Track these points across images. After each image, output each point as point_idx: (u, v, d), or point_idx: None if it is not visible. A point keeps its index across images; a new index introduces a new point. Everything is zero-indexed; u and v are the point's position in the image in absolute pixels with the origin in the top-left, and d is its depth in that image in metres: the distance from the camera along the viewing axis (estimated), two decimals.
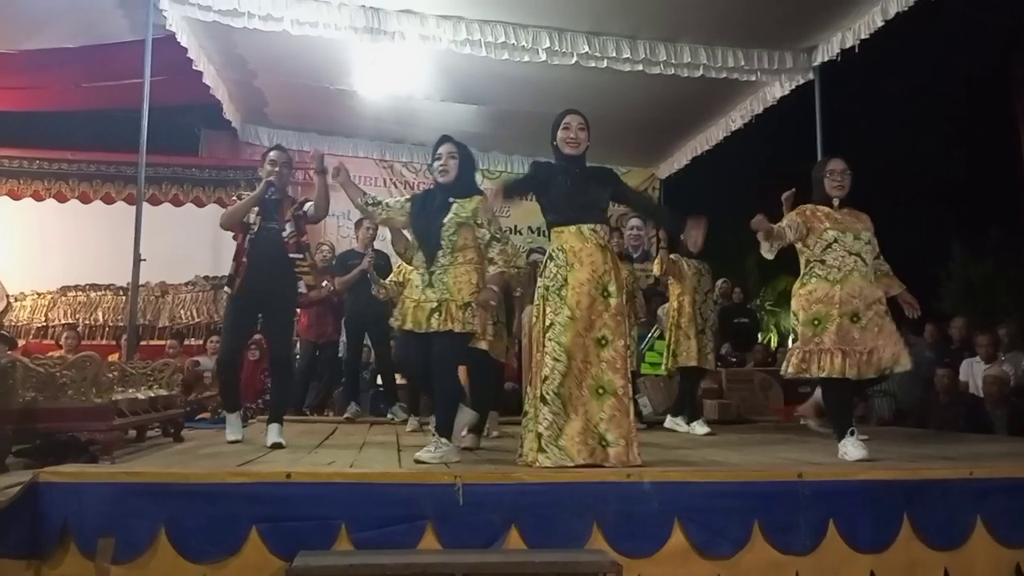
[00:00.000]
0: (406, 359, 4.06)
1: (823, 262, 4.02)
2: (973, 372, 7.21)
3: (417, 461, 3.51)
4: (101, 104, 8.93)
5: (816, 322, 3.96)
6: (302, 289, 4.47)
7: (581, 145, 3.73)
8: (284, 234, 4.46)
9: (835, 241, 4.00)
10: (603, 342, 3.51)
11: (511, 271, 4.64)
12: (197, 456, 3.99)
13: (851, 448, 3.76)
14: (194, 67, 7.49)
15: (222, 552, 2.80)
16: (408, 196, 4.09)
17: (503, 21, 6.83)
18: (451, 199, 3.84)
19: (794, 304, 4.13)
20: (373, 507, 2.85)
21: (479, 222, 3.81)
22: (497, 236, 3.82)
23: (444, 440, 3.67)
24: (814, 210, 4.11)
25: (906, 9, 6.17)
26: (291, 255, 4.44)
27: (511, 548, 2.89)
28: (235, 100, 9.03)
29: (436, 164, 3.92)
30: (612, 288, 3.58)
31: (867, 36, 6.59)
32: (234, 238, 4.60)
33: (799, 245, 4.13)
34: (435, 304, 3.76)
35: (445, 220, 3.79)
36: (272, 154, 4.68)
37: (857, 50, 6.78)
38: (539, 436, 3.37)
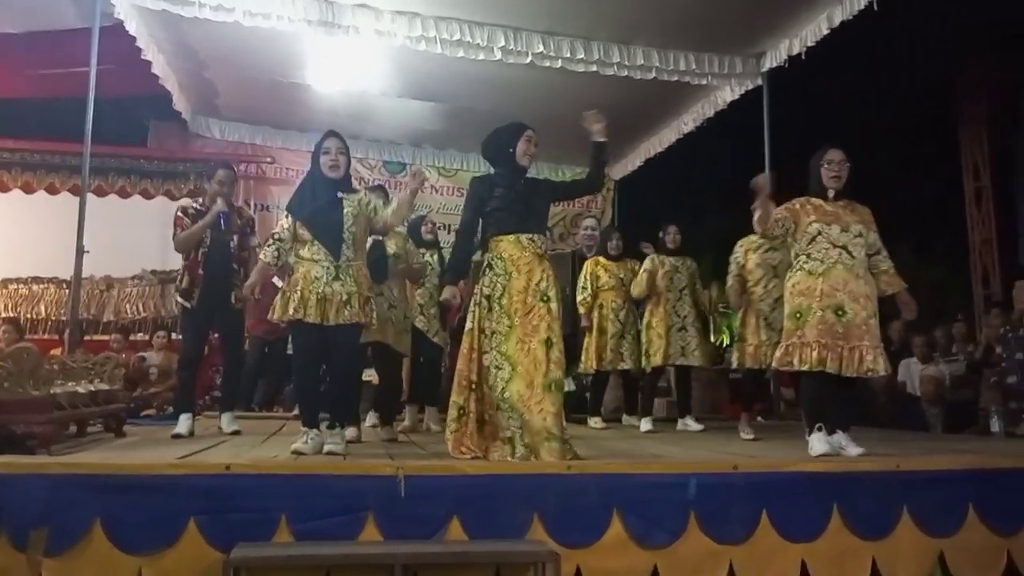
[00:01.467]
0: (309, 351, 3.91)
1: (808, 255, 3.97)
2: (910, 372, 7.45)
3: (332, 453, 3.58)
4: (46, 92, 8.68)
5: (798, 315, 3.92)
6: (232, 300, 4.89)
7: (533, 159, 3.90)
8: (231, 246, 4.93)
9: (819, 234, 3.94)
10: (549, 343, 3.60)
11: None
12: (137, 450, 3.93)
13: (816, 443, 3.79)
14: (143, 57, 7.35)
15: (159, 544, 2.77)
16: (282, 225, 3.98)
17: (459, 18, 6.82)
18: (340, 194, 3.89)
19: (785, 298, 4.10)
20: (314, 499, 2.85)
21: (375, 211, 3.96)
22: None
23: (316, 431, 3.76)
24: (804, 203, 4.04)
25: (851, 18, 6.33)
26: (233, 266, 4.91)
27: (452, 539, 2.92)
28: (185, 91, 8.87)
29: (325, 159, 3.92)
30: (551, 293, 3.69)
31: (813, 44, 6.76)
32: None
33: (790, 240, 4.09)
34: (345, 297, 3.78)
35: (344, 214, 3.85)
36: (220, 174, 5.07)
37: (804, 57, 6.94)
38: (510, 440, 3.48)
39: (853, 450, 3.77)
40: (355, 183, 10.75)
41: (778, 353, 4.06)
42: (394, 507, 2.89)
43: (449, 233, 10.89)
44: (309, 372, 3.99)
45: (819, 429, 3.84)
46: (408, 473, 2.93)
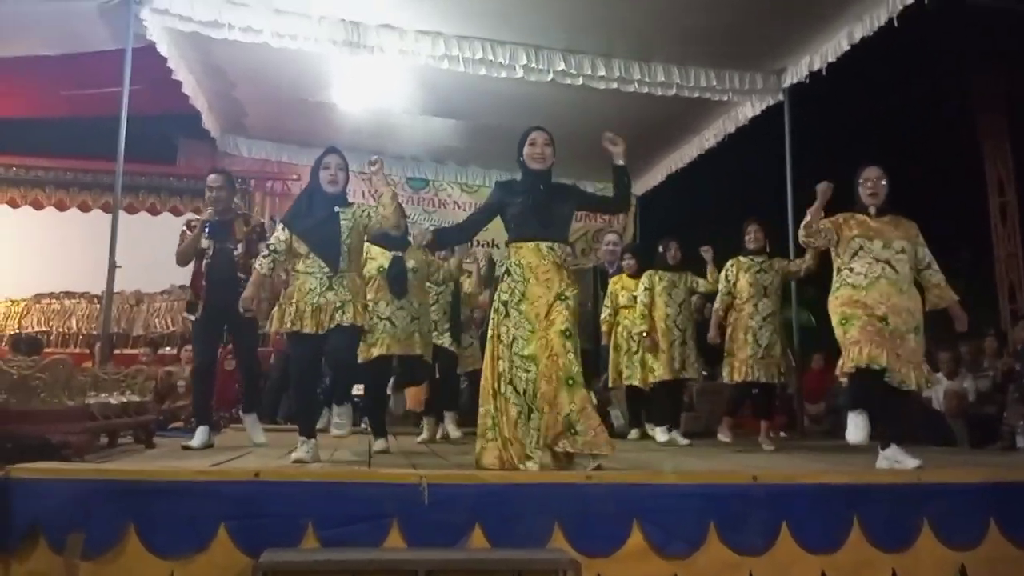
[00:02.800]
0: (307, 360, 3.96)
1: (851, 269, 4.04)
2: (936, 387, 7.39)
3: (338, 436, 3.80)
4: (79, 111, 8.93)
5: (844, 321, 3.98)
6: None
7: (547, 160, 3.83)
8: (236, 253, 4.77)
9: (861, 248, 4.02)
10: (567, 334, 3.60)
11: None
12: (168, 459, 4.03)
13: (853, 428, 3.84)
14: (174, 77, 7.55)
15: (190, 548, 2.85)
16: (277, 236, 4.03)
17: (481, 37, 6.96)
18: (337, 208, 3.97)
19: (831, 312, 4.14)
20: (339, 506, 2.92)
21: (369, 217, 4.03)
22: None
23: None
24: (847, 218, 4.11)
25: (871, 34, 6.37)
26: (239, 275, 4.64)
27: (474, 547, 2.97)
28: (214, 110, 9.08)
29: (325, 174, 4.00)
30: (569, 293, 3.70)
31: (834, 60, 6.79)
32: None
33: (832, 253, 4.17)
34: (339, 305, 3.85)
35: (342, 228, 3.93)
36: (209, 179, 4.94)
37: (825, 73, 6.98)
38: (522, 444, 3.48)
39: (910, 462, 3.76)
40: (375, 198, 11.04)
41: (842, 360, 4.05)
42: (417, 514, 2.95)
43: (471, 247, 11.04)
44: (307, 383, 4.03)
45: (860, 413, 3.88)
46: (431, 481, 2.99)
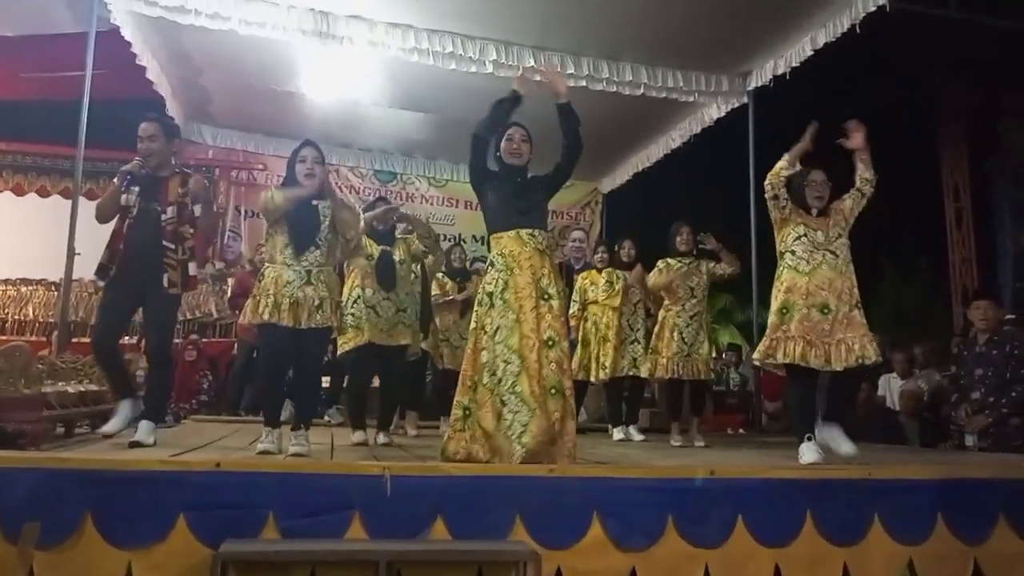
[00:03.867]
0: (280, 354, 3.93)
1: (793, 252, 4.13)
2: (890, 387, 7.58)
3: (296, 455, 3.68)
4: (39, 95, 8.74)
5: (784, 311, 4.05)
6: (164, 284, 4.05)
7: (524, 156, 3.88)
8: (163, 217, 4.11)
9: (804, 235, 4.11)
10: (550, 343, 3.62)
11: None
12: (126, 448, 3.98)
13: (806, 452, 3.88)
14: (138, 62, 7.43)
15: (149, 539, 2.82)
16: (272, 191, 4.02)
17: (451, 32, 6.96)
18: (315, 202, 3.98)
19: (772, 296, 4.23)
20: (301, 496, 2.91)
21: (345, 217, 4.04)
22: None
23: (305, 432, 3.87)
24: (794, 207, 4.19)
25: (834, 40, 6.49)
26: (164, 243, 4.07)
27: (436, 538, 2.99)
28: (178, 97, 8.93)
29: (301, 167, 3.98)
30: (552, 291, 3.72)
31: (798, 64, 6.92)
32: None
33: (777, 236, 4.25)
34: (317, 302, 3.86)
35: (321, 222, 3.95)
36: (141, 127, 4.24)
37: (788, 77, 7.10)
38: (517, 433, 3.45)
39: (846, 446, 3.87)
40: (344, 194, 10.97)
41: (761, 346, 4.15)
42: (380, 506, 2.96)
43: (444, 241, 11.02)
44: (277, 374, 4.03)
45: (808, 439, 3.94)
46: (394, 473, 3.00)
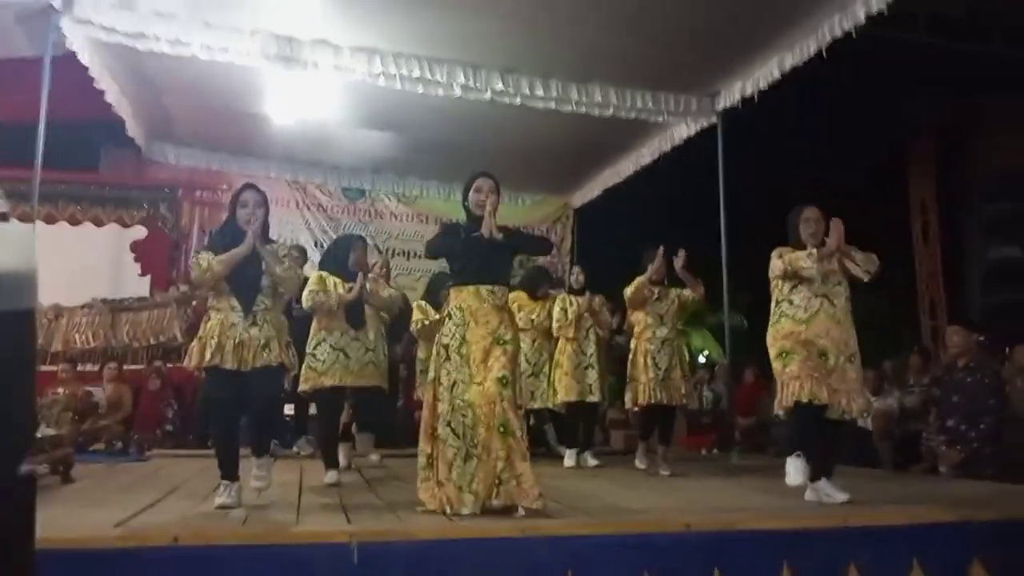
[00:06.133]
0: (227, 400, 3.84)
1: (791, 302, 4.11)
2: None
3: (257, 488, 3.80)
4: None
5: (784, 355, 4.05)
6: None
7: (492, 206, 3.81)
8: None
9: (800, 283, 4.09)
10: (504, 382, 3.60)
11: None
12: (83, 504, 3.85)
13: (793, 471, 3.94)
14: (96, 85, 7.25)
15: None
16: (204, 253, 3.90)
17: (418, 55, 6.87)
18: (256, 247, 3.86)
19: (768, 344, 4.20)
20: (265, 569, 2.80)
21: (291, 264, 3.96)
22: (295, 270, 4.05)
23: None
24: (787, 252, 4.15)
25: (801, 64, 6.51)
26: None
27: None
28: (139, 118, 8.75)
29: (242, 212, 3.88)
30: (508, 336, 3.71)
31: (765, 87, 6.93)
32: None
33: (773, 285, 4.22)
34: (263, 342, 3.77)
35: (263, 269, 3.84)
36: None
37: (756, 99, 7.11)
38: (457, 487, 3.52)
39: (839, 496, 3.88)
40: (311, 212, 10.80)
41: (779, 396, 4.12)
42: (346, 575, 2.86)
43: (408, 260, 10.93)
44: (227, 421, 3.89)
45: (798, 456, 3.96)
46: (361, 540, 2.91)
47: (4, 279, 1.23)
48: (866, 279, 4.16)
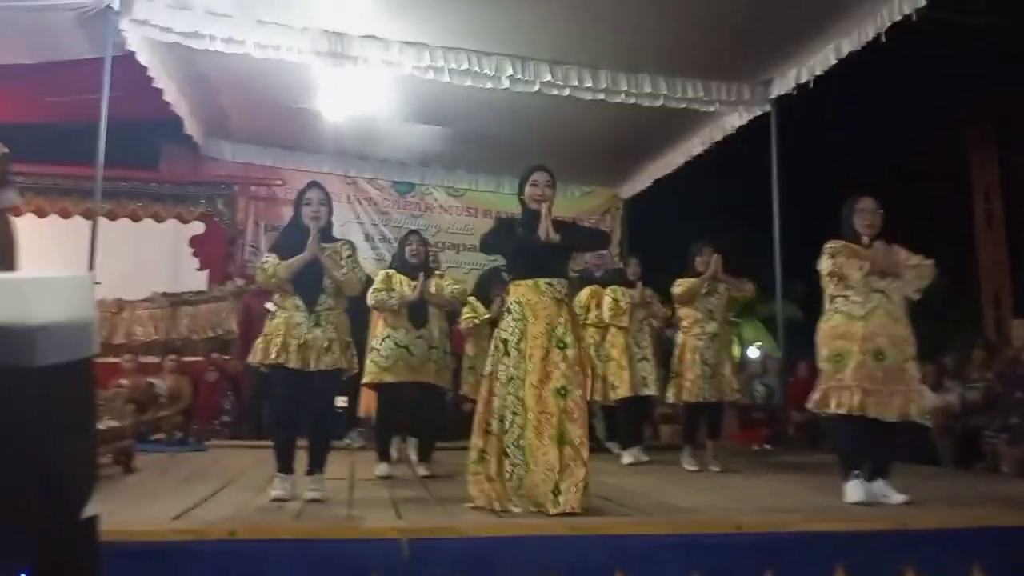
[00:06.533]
0: (288, 397, 3.93)
1: (846, 297, 3.99)
2: None
3: (313, 500, 3.75)
4: (59, 117, 8.77)
5: (838, 358, 3.94)
6: None
7: (548, 201, 3.80)
8: None
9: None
10: (562, 392, 3.59)
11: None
12: (143, 496, 3.97)
13: (850, 490, 3.86)
14: (154, 85, 7.43)
15: None
16: (268, 257, 4.00)
17: (466, 48, 6.86)
18: (321, 244, 3.93)
19: (818, 340, 4.11)
20: (318, 564, 2.86)
21: (352, 265, 4.00)
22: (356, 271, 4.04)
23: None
24: (844, 247, 4.06)
25: (859, 49, 6.32)
26: None
27: None
28: (196, 116, 8.95)
29: (307, 209, 3.96)
30: (568, 340, 3.67)
31: (821, 73, 6.74)
32: None
33: (824, 280, 4.11)
34: (326, 344, 3.84)
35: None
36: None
37: (812, 86, 6.93)
38: (504, 486, 3.54)
39: (896, 498, 3.80)
40: (362, 206, 10.91)
41: (816, 396, 4.05)
42: (397, 571, 2.89)
43: (458, 253, 10.98)
44: (287, 417, 3.99)
45: (856, 476, 3.88)
46: (411, 536, 2.94)
47: (62, 330, 1.25)
48: (916, 297, 4.02)
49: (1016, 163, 10.41)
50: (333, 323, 3.91)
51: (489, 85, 7.06)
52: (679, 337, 5.75)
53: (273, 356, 3.82)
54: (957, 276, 11.20)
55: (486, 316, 6.30)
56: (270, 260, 3.94)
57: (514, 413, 3.58)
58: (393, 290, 4.99)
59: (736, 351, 16.04)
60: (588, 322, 6.19)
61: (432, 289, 5.05)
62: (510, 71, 6.98)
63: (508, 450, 3.58)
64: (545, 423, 3.55)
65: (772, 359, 9.43)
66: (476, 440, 3.70)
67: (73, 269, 6.91)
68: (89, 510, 1.25)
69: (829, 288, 4.11)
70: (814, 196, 7.74)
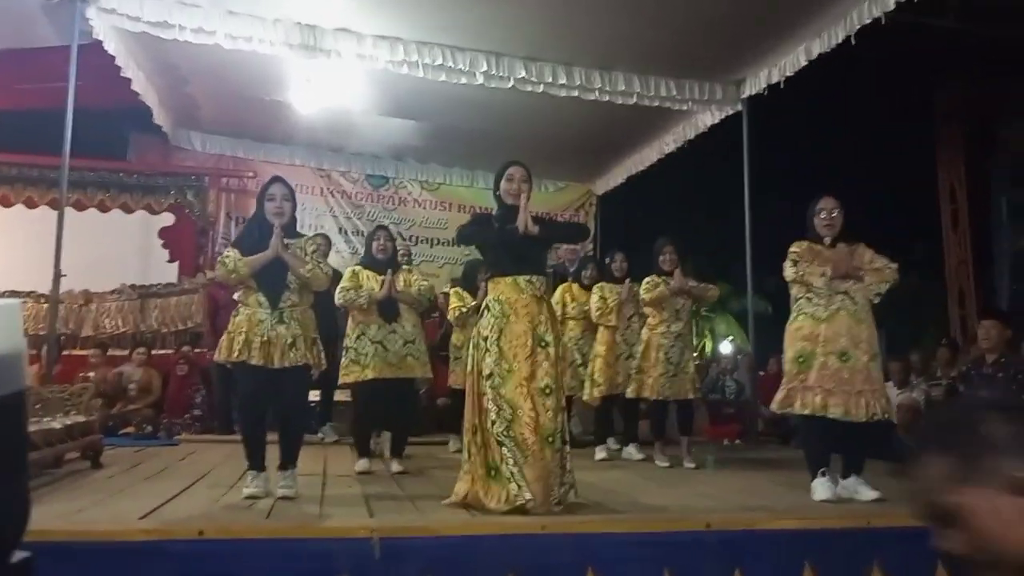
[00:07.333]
0: (254, 394, 3.90)
1: (809, 299, 4.04)
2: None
3: (284, 497, 3.72)
4: (25, 105, 8.60)
5: (801, 359, 3.99)
6: None
7: (524, 196, 3.79)
8: None
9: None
10: (547, 391, 3.60)
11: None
12: (111, 492, 3.92)
13: (818, 488, 3.91)
14: (122, 74, 7.30)
15: None
16: (230, 251, 3.95)
17: (441, 44, 6.83)
18: (287, 241, 3.90)
19: (787, 342, 4.15)
20: (288, 563, 2.84)
21: (317, 260, 3.96)
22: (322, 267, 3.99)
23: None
24: (807, 248, 4.10)
25: (829, 51, 6.39)
26: None
27: None
28: (166, 106, 8.81)
29: (270, 205, 3.91)
30: (549, 338, 3.68)
31: (792, 73, 6.81)
32: None
33: (790, 281, 4.14)
34: (290, 340, 3.80)
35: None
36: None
37: (783, 86, 7.00)
38: (510, 474, 3.47)
39: (868, 494, 3.86)
40: (335, 198, 10.83)
41: (779, 396, 4.10)
42: (368, 569, 2.88)
43: (432, 247, 10.95)
44: (253, 415, 3.96)
45: (822, 474, 3.93)
46: (382, 535, 2.93)
47: None
48: (876, 300, 4.06)
49: (981, 164, 10.59)
50: (298, 319, 3.87)
51: (463, 80, 7.05)
52: (644, 333, 5.72)
53: (236, 353, 3.78)
54: (927, 272, 11.40)
55: (472, 304, 6.27)
56: (231, 255, 3.87)
57: (499, 408, 3.55)
58: (361, 287, 4.96)
59: (708, 346, 16.29)
60: (567, 315, 6.20)
61: (400, 286, 5.03)
62: (484, 67, 6.97)
63: (502, 440, 3.52)
64: (535, 421, 3.54)
65: (744, 354, 9.53)
66: (469, 438, 3.69)
67: (40, 259, 6.80)
68: (17, 555, 1.19)
69: (793, 290, 4.18)
70: (785, 193, 7.80)
